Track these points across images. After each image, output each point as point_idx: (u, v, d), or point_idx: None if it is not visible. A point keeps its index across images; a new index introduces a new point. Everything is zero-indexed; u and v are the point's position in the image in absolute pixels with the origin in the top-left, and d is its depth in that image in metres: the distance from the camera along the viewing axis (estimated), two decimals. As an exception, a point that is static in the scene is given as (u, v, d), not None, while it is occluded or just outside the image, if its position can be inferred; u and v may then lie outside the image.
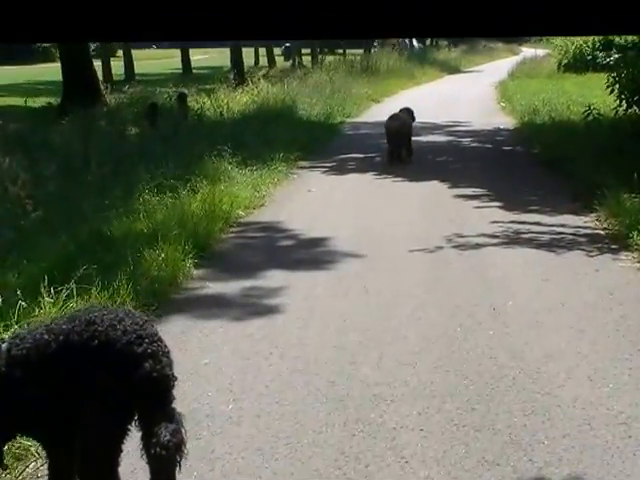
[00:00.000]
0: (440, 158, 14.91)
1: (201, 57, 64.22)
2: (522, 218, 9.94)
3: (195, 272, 7.80)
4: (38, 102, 22.64)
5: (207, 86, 27.89)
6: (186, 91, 24.74)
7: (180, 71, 44.37)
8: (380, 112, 22.82)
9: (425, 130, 18.51)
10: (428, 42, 69.83)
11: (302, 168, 13.84)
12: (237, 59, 34.71)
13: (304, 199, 11.37)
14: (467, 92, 29.12)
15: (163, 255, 7.54)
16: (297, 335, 6.12)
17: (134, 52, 70.14)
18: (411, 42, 63.64)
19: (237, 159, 12.47)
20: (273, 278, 7.61)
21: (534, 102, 21.34)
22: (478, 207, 10.62)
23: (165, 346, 3.50)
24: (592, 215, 9.95)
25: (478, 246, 8.73)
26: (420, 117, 20.56)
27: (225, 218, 9.62)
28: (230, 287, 7.34)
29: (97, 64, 42.25)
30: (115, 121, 19.19)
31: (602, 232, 9.27)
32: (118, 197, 9.60)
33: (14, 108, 23.06)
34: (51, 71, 47.35)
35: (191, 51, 66.07)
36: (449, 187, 11.95)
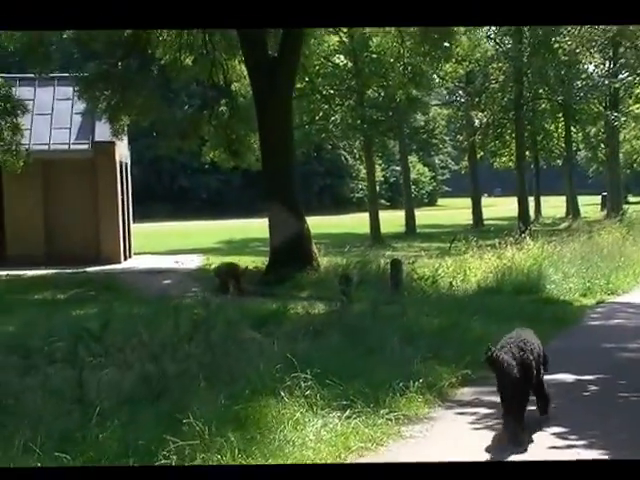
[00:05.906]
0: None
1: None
2: None
3: None
4: (254, 263, 20.07)
5: (488, 241, 23.78)
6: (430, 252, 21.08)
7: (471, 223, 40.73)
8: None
9: None
10: None
11: (451, 405, 8.65)
12: (523, 209, 30.34)
13: None
14: None
15: None
16: None
17: (459, 201, 68.58)
18: None
19: (334, 392, 8.04)
20: None
21: None
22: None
23: None
24: None
25: None
26: None
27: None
28: None
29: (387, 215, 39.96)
30: (315, 293, 15.86)
31: None
32: None
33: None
34: (344, 223, 44.48)
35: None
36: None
